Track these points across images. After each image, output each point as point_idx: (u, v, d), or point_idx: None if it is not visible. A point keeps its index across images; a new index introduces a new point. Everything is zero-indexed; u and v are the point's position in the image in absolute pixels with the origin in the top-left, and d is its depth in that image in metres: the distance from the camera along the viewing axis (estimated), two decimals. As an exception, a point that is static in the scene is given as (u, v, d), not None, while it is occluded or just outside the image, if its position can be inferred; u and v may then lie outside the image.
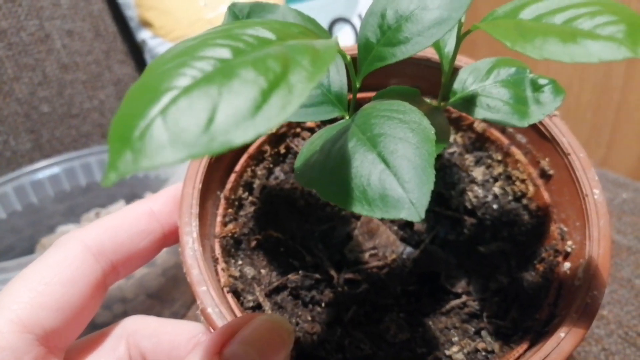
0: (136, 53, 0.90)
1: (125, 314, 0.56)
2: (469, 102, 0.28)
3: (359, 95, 0.26)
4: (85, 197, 0.77)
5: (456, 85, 0.29)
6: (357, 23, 0.89)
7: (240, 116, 0.12)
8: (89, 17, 0.83)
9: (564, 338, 0.24)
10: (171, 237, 0.31)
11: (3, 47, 0.76)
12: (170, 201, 0.30)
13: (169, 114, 0.12)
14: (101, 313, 0.55)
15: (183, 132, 0.12)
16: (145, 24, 0.83)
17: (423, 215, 0.18)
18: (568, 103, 0.27)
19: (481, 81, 0.29)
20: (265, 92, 0.13)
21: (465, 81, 0.29)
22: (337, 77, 0.27)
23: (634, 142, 0.91)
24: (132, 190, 0.78)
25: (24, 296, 0.25)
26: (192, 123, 0.12)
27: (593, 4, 0.20)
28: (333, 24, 0.87)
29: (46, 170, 0.74)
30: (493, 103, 0.28)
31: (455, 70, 0.29)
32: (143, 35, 0.84)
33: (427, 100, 0.31)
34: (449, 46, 0.28)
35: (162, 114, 0.12)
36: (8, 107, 0.78)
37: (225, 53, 0.14)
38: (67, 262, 0.26)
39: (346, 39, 0.88)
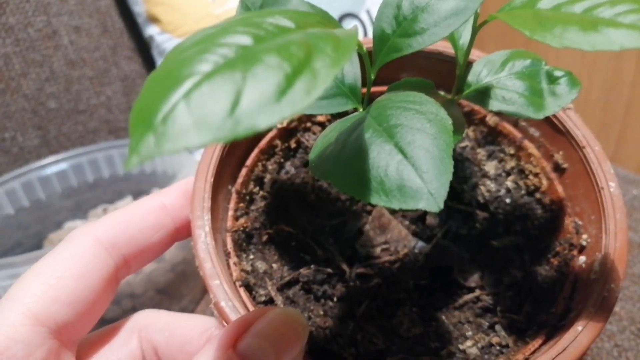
0: (143, 49, 0.90)
1: (134, 309, 0.56)
2: (484, 94, 0.28)
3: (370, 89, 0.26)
4: (92, 193, 0.77)
5: (470, 77, 0.29)
6: (365, 19, 0.89)
7: (265, 100, 0.12)
8: (96, 13, 0.83)
9: (581, 331, 0.24)
10: (182, 231, 0.30)
11: (11, 43, 0.76)
12: (181, 195, 0.30)
13: (193, 99, 0.12)
14: (110, 308, 0.55)
15: (208, 116, 0.12)
16: (153, 19, 0.83)
17: (442, 206, 0.18)
18: (577, 99, 0.27)
19: (496, 73, 0.28)
20: (289, 77, 0.13)
21: (480, 73, 0.29)
22: (351, 69, 0.27)
23: (643, 139, 0.90)
24: (140, 186, 0.78)
25: (36, 290, 0.25)
26: (216, 107, 0.12)
27: (612, -7, 0.20)
28: (341, 19, 0.87)
29: (53, 166, 0.74)
30: (508, 95, 0.27)
31: (468, 64, 0.29)
32: (150, 31, 0.84)
33: (441, 93, 0.30)
34: (464, 38, 0.28)
35: (185, 98, 0.12)
36: (15, 103, 0.78)
37: (246, 40, 0.14)
38: (79, 256, 0.26)
39: (353, 34, 0.88)
